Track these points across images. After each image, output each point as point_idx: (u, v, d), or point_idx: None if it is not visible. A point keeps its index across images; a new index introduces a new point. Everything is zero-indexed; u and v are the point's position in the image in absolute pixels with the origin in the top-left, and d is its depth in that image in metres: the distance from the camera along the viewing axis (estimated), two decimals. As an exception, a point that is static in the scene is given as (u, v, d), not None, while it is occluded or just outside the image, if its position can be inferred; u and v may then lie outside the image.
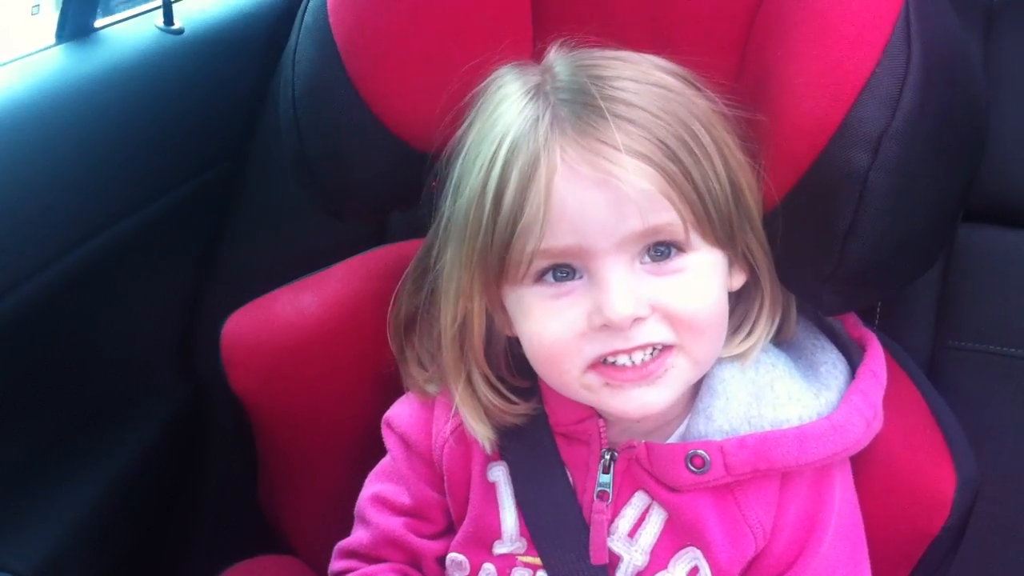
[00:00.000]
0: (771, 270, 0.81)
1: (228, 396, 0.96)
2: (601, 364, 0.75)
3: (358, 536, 0.89)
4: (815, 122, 0.75)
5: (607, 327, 0.72)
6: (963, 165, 0.81)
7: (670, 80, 0.76)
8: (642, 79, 0.75)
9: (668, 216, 0.72)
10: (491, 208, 0.74)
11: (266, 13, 1.37)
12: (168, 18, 1.25)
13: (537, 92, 0.76)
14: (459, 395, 0.82)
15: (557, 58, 0.78)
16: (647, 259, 0.74)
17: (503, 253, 0.74)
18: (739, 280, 0.80)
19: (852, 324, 0.87)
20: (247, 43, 1.33)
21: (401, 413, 0.90)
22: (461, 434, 0.85)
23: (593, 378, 0.75)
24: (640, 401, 0.75)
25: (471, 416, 0.82)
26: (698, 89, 0.77)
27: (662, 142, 0.72)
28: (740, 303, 0.81)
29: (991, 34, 1.02)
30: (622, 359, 0.74)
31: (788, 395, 0.80)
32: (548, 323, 0.75)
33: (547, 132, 0.73)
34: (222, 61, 1.30)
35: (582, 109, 0.73)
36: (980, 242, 0.99)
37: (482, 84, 0.80)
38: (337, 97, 0.84)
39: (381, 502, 0.88)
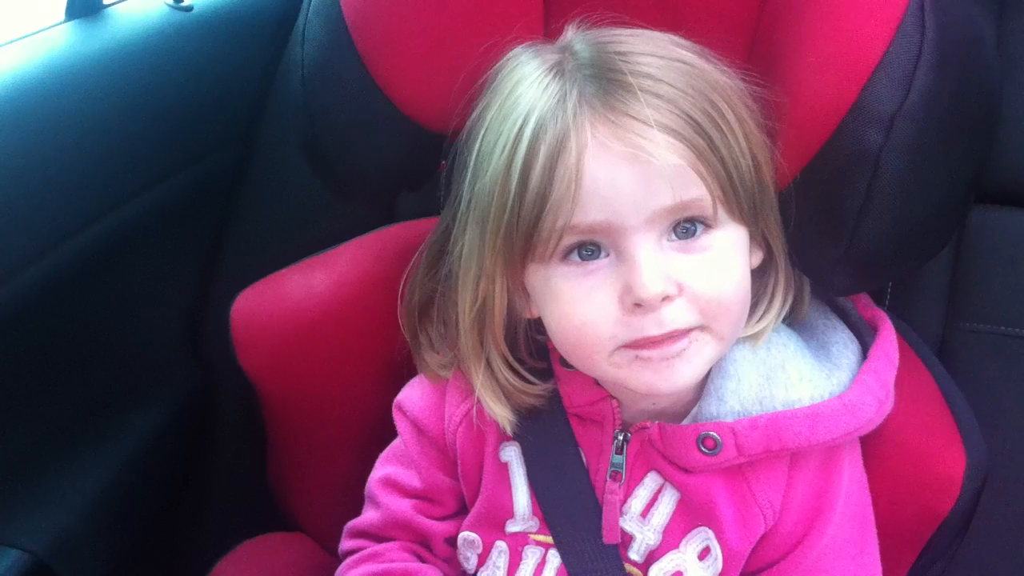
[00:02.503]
0: (785, 249, 0.81)
1: (237, 376, 0.96)
2: (631, 344, 0.74)
3: (368, 516, 0.90)
4: (828, 101, 0.74)
5: (639, 307, 0.72)
6: (976, 144, 0.80)
7: (689, 56, 0.76)
8: (664, 55, 0.75)
9: (698, 191, 0.72)
10: (517, 186, 0.73)
11: (277, -10, 1.36)
12: (178, -6, 1.25)
13: (559, 70, 0.75)
14: (480, 379, 0.81)
15: (576, 37, 0.78)
16: (674, 237, 0.74)
17: (531, 230, 0.73)
18: (757, 258, 0.80)
19: (864, 305, 0.86)
20: (257, 20, 1.32)
21: (412, 396, 0.90)
22: (474, 415, 0.84)
23: (622, 356, 0.74)
24: (670, 377, 0.74)
25: (490, 398, 0.82)
26: (715, 65, 0.76)
27: (690, 117, 0.72)
28: (755, 283, 0.81)
29: (1004, 14, 1.01)
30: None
31: (800, 375, 0.80)
32: (577, 305, 0.74)
33: (575, 108, 0.72)
34: (232, 39, 1.29)
35: (609, 85, 0.72)
36: (992, 224, 0.98)
37: (496, 65, 0.79)
38: (347, 76, 0.84)
39: (391, 484, 0.89)
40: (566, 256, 0.75)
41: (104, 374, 1.19)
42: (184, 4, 1.25)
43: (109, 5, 1.19)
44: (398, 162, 0.88)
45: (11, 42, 1.08)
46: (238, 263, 1.29)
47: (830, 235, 0.77)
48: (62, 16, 1.16)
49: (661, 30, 0.78)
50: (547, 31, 0.84)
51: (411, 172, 0.89)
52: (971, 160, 0.80)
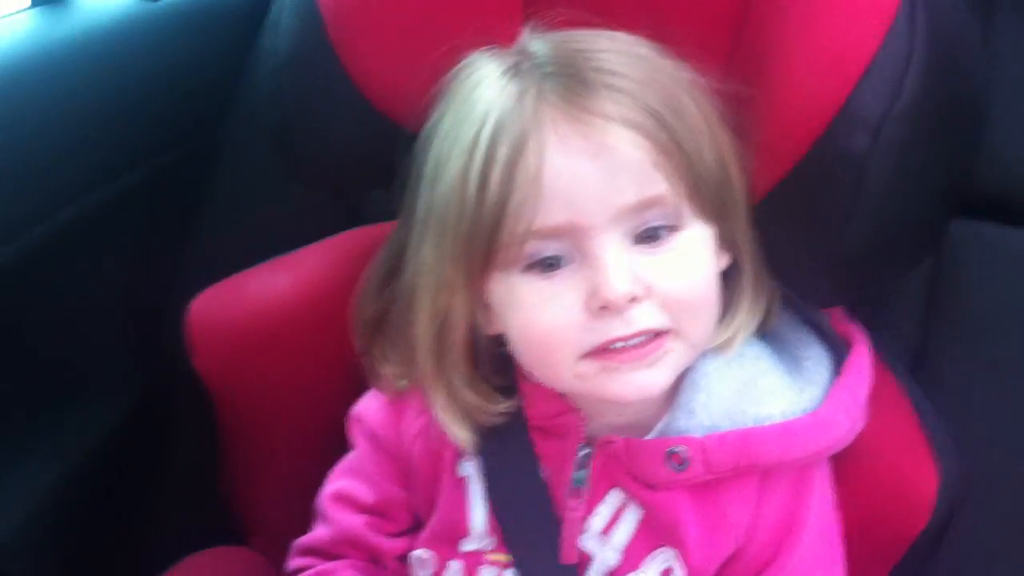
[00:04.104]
0: (754, 255, 0.79)
1: (192, 380, 0.93)
2: (598, 351, 0.72)
3: (318, 533, 0.87)
4: (816, 103, 0.73)
5: (605, 310, 0.70)
6: (963, 151, 0.80)
7: (649, 52, 0.75)
8: (623, 51, 0.74)
9: (662, 188, 0.71)
10: (477, 190, 0.71)
11: (246, -19, 1.34)
12: (146, -17, 1.22)
13: (516, 70, 0.74)
14: (440, 402, 0.79)
15: (531, 38, 0.77)
16: (639, 238, 0.72)
17: (492, 235, 0.71)
18: (724, 261, 0.78)
19: (838, 318, 0.85)
20: (227, 12, 1.30)
21: (370, 408, 0.87)
22: (432, 430, 0.82)
23: (588, 366, 0.73)
24: (638, 383, 0.73)
25: (451, 421, 0.79)
26: (674, 61, 0.76)
27: (652, 110, 0.71)
28: (723, 290, 0.79)
29: (990, 20, 1.00)
30: (619, 343, 0.72)
31: (772, 390, 0.78)
32: (541, 310, 0.72)
33: (534, 106, 0.71)
34: (200, 31, 1.27)
35: (569, 80, 0.71)
36: (972, 238, 0.97)
37: (452, 70, 0.78)
38: (319, 68, 0.82)
39: (343, 499, 0.86)
40: (528, 267, 0.73)
41: (54, 373, 1.15)
42: (153, -11, 1.23)
43: (76, -9, 1.17)
44: (368, 157, 0.86)
45: (-26, 28, 1.06)
46: (202, 260, 1.26)
47: (813, 242, 0.76)
48: (27, 3, 1.14)
49: (642, 30, 0.76)
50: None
51: (382, 167, 0.87)
52: (958, 165, 0.79)
